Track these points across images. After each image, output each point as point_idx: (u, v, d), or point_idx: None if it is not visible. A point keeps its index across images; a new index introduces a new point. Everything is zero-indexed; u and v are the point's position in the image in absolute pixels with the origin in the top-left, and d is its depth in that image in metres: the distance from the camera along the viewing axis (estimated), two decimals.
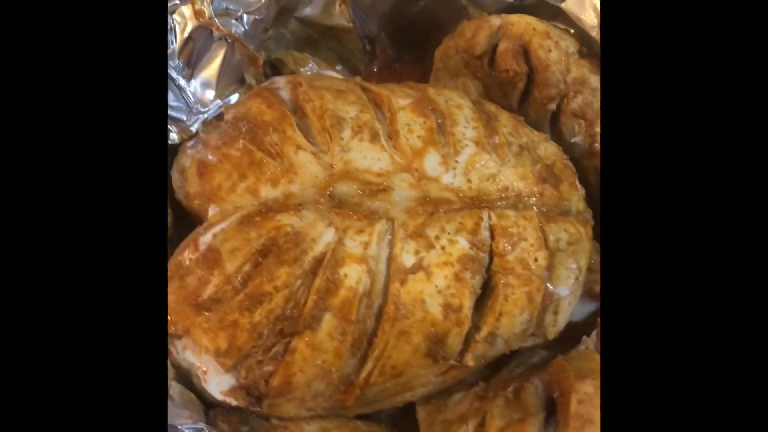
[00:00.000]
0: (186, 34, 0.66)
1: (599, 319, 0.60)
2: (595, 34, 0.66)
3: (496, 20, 0.69)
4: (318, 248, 0.57)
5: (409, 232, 0.57)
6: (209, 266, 0.58)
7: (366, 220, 0.58)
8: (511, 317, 0.57)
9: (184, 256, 0.60)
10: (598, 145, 0.66)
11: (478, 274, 0.57)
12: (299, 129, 0.63)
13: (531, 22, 0.67)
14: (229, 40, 0.67)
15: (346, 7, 0.73)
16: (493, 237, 0.58)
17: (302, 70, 0.73)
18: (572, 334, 0.61)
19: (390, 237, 0.57)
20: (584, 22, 0.66)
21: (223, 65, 0.68)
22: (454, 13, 0.74)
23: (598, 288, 0.64)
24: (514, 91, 0.68)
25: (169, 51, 0.66)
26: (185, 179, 0.65)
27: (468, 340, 0.57)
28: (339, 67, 0.81)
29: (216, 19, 0.67)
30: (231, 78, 0.70)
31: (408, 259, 0.56)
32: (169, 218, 0.67)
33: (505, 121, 0.64)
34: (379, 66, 0.83)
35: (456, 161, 0.60)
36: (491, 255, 0.57)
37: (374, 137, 0.61)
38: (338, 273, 0.56)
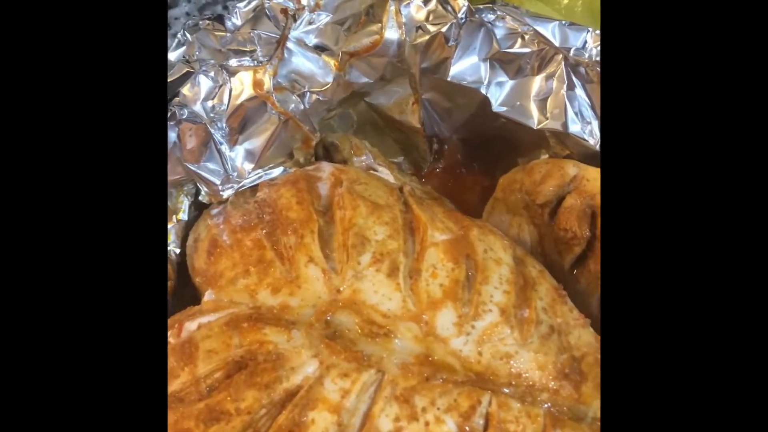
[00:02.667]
0: (239, 101, 0.62)
1: None
2: None
3: (571, 169, 0.61)
4: (294, 380, 0.52)
5: (396, 393, 0.51)
6: (183, 359, 0.54)
7: (354, 363, 0.52)
8: None
9: (167, 336, 0.56)
10: None
11: None
12: (321, 235, 0.58)
13: None
14: (283, 118, 0.63)
15: (419, 107, 0.68)
16: (486, 427, 0.50)
17: (356, 159, 0.68)
18: None
19: (374, 391, 0.51)
20: None
21: (270, 140, 0.64)
22: (534, 140, 0.67)
23: None
24: (569, 253, 0.60)
25: (218, 111, 0.62)
26: (195, 250, 0.61)
27: None
28: (401, 159, 0.75)
29: (275, 94, 0.63)
30: (278, 152, 0.65)
31: (385, 424, 0.50)
32: (171, 282, 0.63)
33: (544, 293, 0.56)
34: (443, 166, 0.77)
35: (472, 326, 0.53)
36: None
37: (393, 272, 0.55)
38: (306, 416, 0.50)
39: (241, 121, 0.63)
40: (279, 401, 0.51)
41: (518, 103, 0.65)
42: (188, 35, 0.66)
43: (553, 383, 0.52)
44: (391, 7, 0.62)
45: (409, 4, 0.62)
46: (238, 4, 0.68)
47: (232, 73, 0.63)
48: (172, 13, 0.93)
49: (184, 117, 0.61)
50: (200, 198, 0.66)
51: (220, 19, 0.68)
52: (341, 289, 0.55)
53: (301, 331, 0.53)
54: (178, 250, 0.64)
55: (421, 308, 0.54)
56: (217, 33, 0.67)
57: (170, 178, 0.64)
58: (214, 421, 0.51)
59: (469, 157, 0.75)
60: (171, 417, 0.53)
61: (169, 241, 0.64)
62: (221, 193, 0.64)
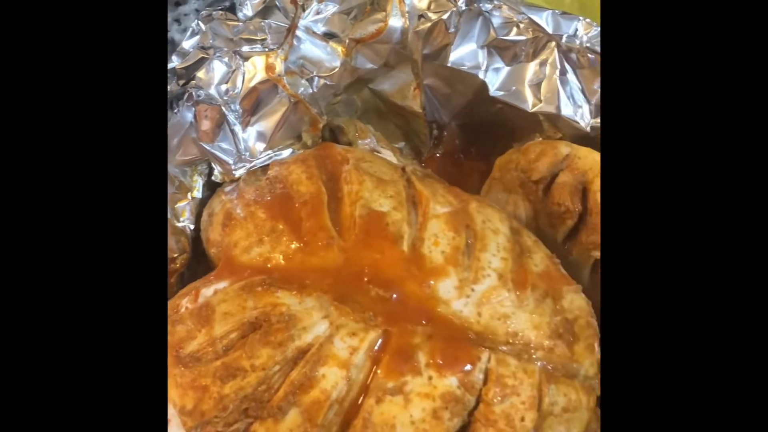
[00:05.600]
0: (252, 84, 0.66)
1: None
2: None
3: (563, 148, 0.65)
4: (306, 338, 0.55)
5: (401, 350, 0.54)
6: (200, 322, 0.57)
7: (362, 324, 0.56)
8: None
9: (183, 302, 0.60)
10: None
11: (458, 417, 0.53)
12: (329, 207, 0.62)
13: (599, 161, 0.64)
14: (293, 100, 0.67)
15: (420, 92, 0.72)
16: (485, 382, 0.54)
17: (360, 142, 0.72)
18: None
19: (380, 349, 0.55)
20: None
21: (281, 121, 0.68)
22: (528, 124, 0.71)
23: None
24: (561, 226, 0.64)
25: (232, 94, 0.66)
26: (210, 224, 0.65)
27: None
28: (402, 144, 0.79)
29: (285, 77, 0.67)
30: (287, 133, 0.69)
31: (390, 379, 0.54)
32: (185, 255, 0.67)
33: (539, 260, 0.60)
34: (443, 152, 0.80)
35: (472, 289, 0.57)
36: (478, 400, 0.54)
37: (397, 240, 0.59)
38: (317, 371, 0.54)
39: (254, 103, 0.67)
40: (291, 358, 0.55)
41: (514, 87, 0.69)
42: (202, 25, 0.70)
43: (547, 342, 0.56)
44: None
45: None
46: None
47: (245, 57, 0.67)
48: (182, 9, 0.97)
49: (201, 98, 0.65)
50: (213, 178, 0.69)
51: (232, 9, 0.72)
52: (349, 255, 0.59)
53: (311, 295, 0.57)
54: (192, 226, 0.68)
55: (424, 273, 0.58)
56: (229, 22, 0.71)
57: (185, 158, 0.68)
58: (230, 377, 0.55)
59: (467, 143, 0.79)
60: (188, 376, 0.56)
61: (183, 218, 0.68)
62: (234, 171, 0.68)
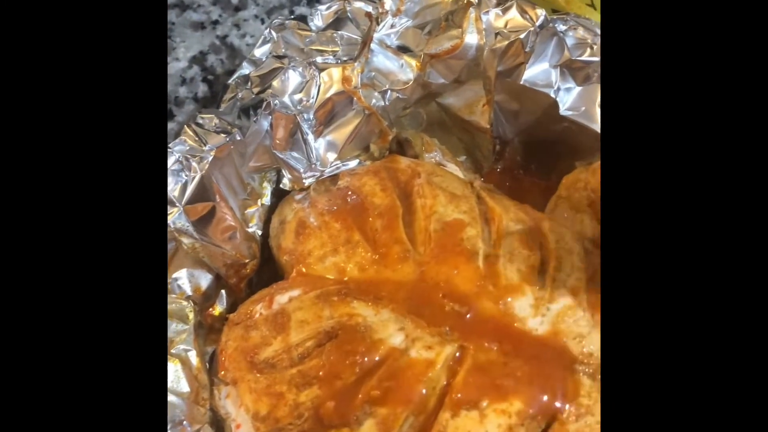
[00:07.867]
0: (328, 95, 0.67)
1: None
2: None
3: None
4: (382, 350, 0.56)
5: (477, 365, 0.55)
6: (275, 329, 0.58)
7: (438, 338, 0.56)
8: None
9: (256, 308, 0.61)
10: None
11: None
12: (403, 220, 0.62)
13: None
14: (367, 113, 0.68)
15: (489, 108, 0.72)
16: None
17: (427, 155, 0.73)
18: None
19: (456, 363, 0.56)
20: None
21: (353, 133, 0.68)
22: (593, 143, 0.71)
23: None
24: None
25: (306, 104, 0.67)
26: (282, 231, 0.66)
27: None
28: (463, 158, 0.80)
29: (360, 90, 0.67)
30: (357, 144, 0.70)
31: (467, 393, 0.54)
32: (255, 260, 0.68)
33: None
34: (503, 167, 0.81)
35: (548, 308, 0.58)
36: (553, 418, 0.54)
37: (472, 256, 0.59)
38: (393, 383, 0.55)
39: (329, 114, 0.67)
40: (368, 369, 0.55)
41: (584, 108, 0.69)
42: (274, 33, 0.72)
43: None
44: (472, 14, 0.67)
45: (488, 11, 0.67)
46: (319, 7, 0.73)
47: (320, 69, 0.67)
48: (241, 14, 0.98)
49: (277, 107, 0.66)
50: (281, 185, 0.70)
51: (303, 19, 0.73)
52: (424, 269, 0.59)
53: (387, 307, 0.58)
54: (260, 232, 0.69)
55: (499, 290, 0.58)
56: (301, 32, 0.72)
57: (255, 164, 0.68)
58: (306, 385, 0.56)
59: (528, 159, 0.80)
60: (263, 382, 0.57)
61: (252, 224, 0.69)
62: (304, 180, 0.68)
